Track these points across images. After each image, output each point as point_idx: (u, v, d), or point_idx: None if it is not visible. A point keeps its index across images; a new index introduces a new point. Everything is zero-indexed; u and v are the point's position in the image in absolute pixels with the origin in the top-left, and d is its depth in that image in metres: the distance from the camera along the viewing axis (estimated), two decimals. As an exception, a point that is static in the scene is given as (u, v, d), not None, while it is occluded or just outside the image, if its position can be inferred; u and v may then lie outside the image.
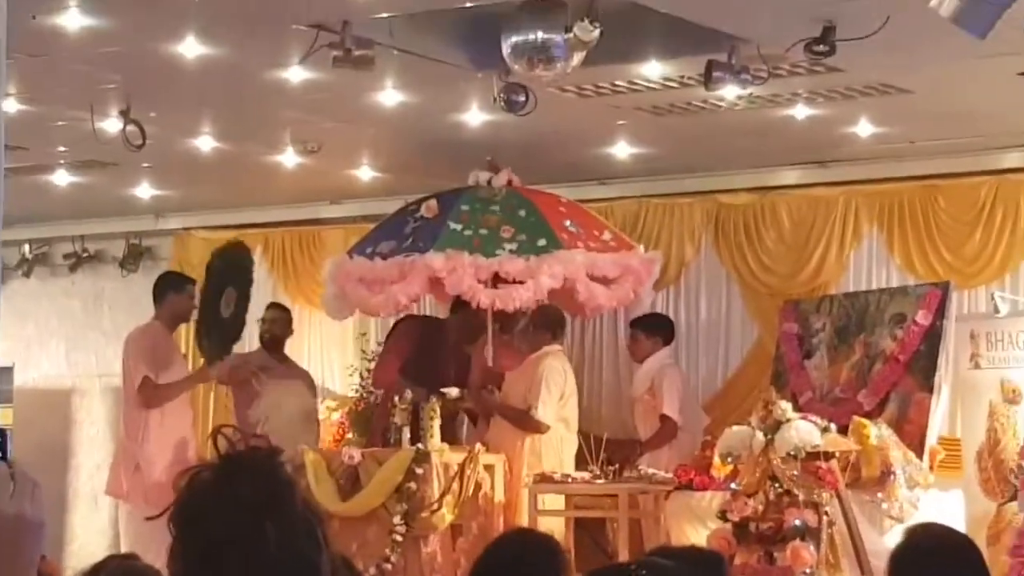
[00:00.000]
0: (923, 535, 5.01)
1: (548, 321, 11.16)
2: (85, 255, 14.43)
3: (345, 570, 4.74)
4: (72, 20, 8.32)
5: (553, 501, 10.65)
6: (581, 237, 11.03)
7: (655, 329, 11.58)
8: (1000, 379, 9.69)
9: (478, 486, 10.30)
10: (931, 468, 9.72)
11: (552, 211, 11.18)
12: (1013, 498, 8.94)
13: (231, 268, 11.40)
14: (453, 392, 10.81)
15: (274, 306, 12.49)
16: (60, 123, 10.59)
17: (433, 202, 10.87)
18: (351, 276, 10.71)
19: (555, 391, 10.94)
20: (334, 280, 10.87)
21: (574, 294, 10.93)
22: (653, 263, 11.40)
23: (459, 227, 10.71)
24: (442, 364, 11.09)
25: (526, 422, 10.85)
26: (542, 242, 10.93)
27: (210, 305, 11.31)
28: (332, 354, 12.84)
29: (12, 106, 9.23)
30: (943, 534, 5.03)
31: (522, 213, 11.06)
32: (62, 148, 11.47)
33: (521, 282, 10.72)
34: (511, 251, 10.77)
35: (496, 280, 10.69)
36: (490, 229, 10.82)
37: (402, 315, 11.55)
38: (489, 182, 11.01)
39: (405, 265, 10.57)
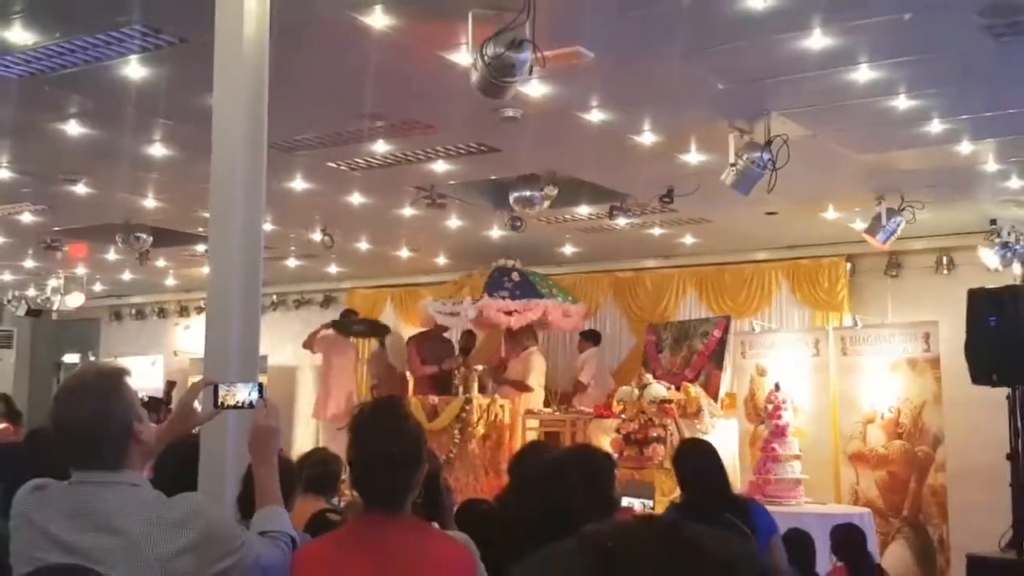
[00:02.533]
0: (684, 444, 5.46)
1: (531, 334, 11.01)
2: (304, 301, 14.45)
3: (433, 457, 4.73)
4: (298, 184, 8.34)
5: (532, 424, 10.51)
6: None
7: (589, 336, 11.42)
8: (756, 364, 9.70)
9: (497, 415, 10.23)
10: (722, 408, 9.71)
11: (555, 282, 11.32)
12: (762, 422, 8.92)
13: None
14: (479, 367, 10.61)
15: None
16: (291, 235, 10.58)
17: (516, 274, 10.74)
18: (493, 308, 10.44)
19: (536, 372, 10.88)
20: (481, 309, 10.45)
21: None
22: (584, 308, 11.36)
23: (540, 287, 10.71)
24: (436, 353, 10.90)
25: (522, 388, 10.73)
26: (571, 298, 11.07)
27: None
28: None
29: (268, 227, 9.12)
30: (692, 442, 5.35)
31: (550, 282, 11.11)
32: (292, 248, 11.44)
33: (569, 316, 10.78)
34: (564, 301, 10.83)
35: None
36: (547, 288, 10.84)
37: (415, 332, 11.51)
38: (512, 267, 10.85)
39: (530, 304, 10.50)
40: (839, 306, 10.43)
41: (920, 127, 6.56)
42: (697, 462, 4.60)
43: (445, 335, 11.59)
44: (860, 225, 8.87)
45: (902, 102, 6.08)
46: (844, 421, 9.15)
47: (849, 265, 10.55)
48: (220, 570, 2.40)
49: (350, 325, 12.32)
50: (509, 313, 10.52)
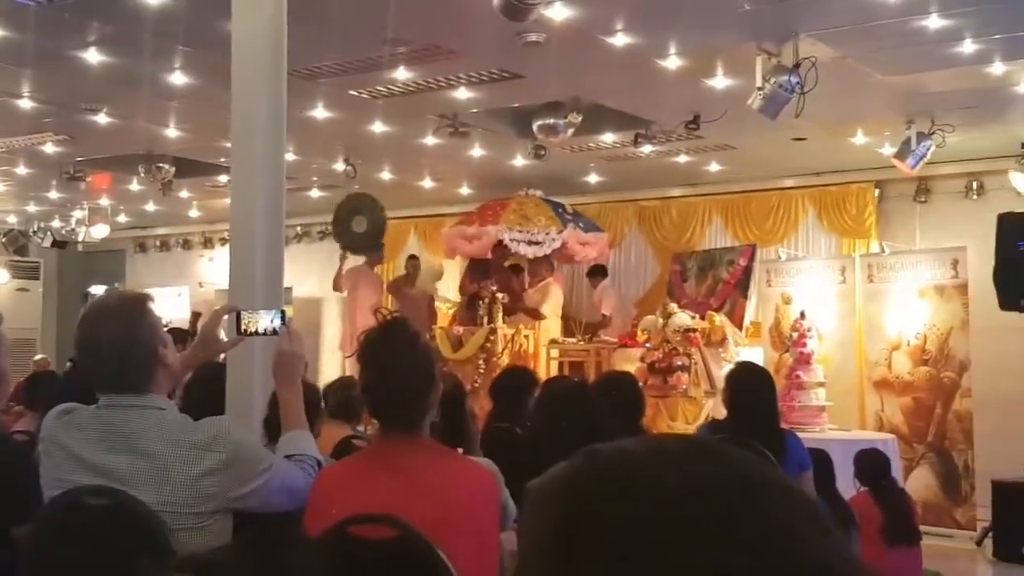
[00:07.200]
0: (742, 365, 5.16)
1: (548, 265, 11.00)
2: (328, 232, 14.16)
3: (458, 384, 4.73)
4: (320, 113, 8.29)
5: (556, 354, 10.52)
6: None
7: (598, 272, 11.18)
8: (780, 292, 9.62)
9: (521, 345, 10.24)
10: (746, 336, 9.67)
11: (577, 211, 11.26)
12: (787, 350, 8.89)
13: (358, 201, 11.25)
14: (505, 298, 10.41)
15: (412, 256, 12.22)
16: (314, 165, 10.54)
17: (567, 203, 10.99)
18: (574, 239, 10.58)
19: (552, 302, 10.85)
20: (566, 240, 10.51)
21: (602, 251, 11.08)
22: (606, 237, 11.26)
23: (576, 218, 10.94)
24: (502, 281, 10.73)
25: (535, 315, 10.70)
26: (592, 225, 11.06)
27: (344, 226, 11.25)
28: (449, 279, 12.39)
29: (290, 156, 9.06)
30: (749, 364, 5.14)
31: (573, 212, 11.11)
32: (315, 178, 11.40)
33: (588, 244, 10.76)
34: (586, 228, 10.88)
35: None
36: (576, 217, 10.93)
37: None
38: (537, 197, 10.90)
39: (599, 237, 10.95)
40: (867, 233, 10.33)
41: (952, 47, 6.42)
42: (747, 383, 4.52)
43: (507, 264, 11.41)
44: (889, 150, 8.76)
45: (934, 21, 5.95)
46: (870, 348, 9.12)
47: (877, 191, 10.42)
48: (246, 492, 2.43)
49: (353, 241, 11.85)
50: (583, 244, 10.58)
